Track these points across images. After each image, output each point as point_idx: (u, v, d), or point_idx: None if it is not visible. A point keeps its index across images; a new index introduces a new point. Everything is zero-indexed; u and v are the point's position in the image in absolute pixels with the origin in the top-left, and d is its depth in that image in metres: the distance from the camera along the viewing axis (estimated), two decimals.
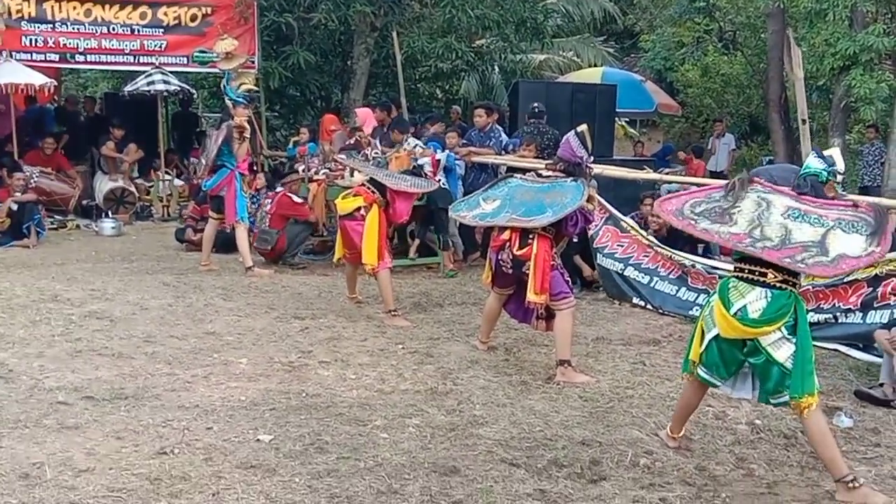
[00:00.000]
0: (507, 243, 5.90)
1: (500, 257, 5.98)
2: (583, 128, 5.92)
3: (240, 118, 8.91)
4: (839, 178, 4.45)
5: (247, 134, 9.03)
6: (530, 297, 5.78)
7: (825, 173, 4.31)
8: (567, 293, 5.89)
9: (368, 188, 7.31)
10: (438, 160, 9.65)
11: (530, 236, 5.79)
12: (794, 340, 4.10)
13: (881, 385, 5.59)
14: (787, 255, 3.99)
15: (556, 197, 5.80)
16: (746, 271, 4.19)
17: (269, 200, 10.10)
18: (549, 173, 6.05)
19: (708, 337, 4.31)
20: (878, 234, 4.00)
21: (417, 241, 9.87)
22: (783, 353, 4.10)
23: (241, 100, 9.08)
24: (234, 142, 8.90)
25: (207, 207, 10.44)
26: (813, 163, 4.37)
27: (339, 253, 7.61)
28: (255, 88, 12.87)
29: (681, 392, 4.83)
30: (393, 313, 7.18)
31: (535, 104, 10.58)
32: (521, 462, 4.33)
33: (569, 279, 6.03)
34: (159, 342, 6.29)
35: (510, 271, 5.95)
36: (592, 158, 6.06)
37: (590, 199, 5.88)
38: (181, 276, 8.84)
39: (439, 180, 9.34)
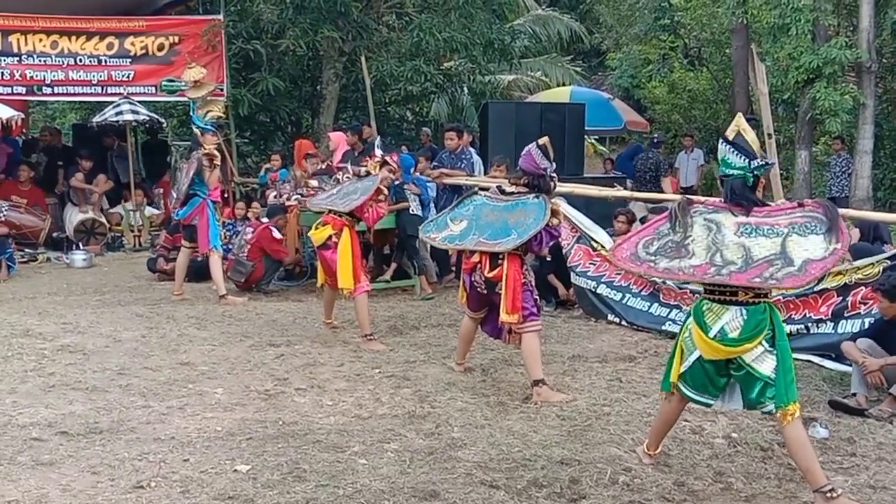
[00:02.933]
0: (478, 265, 5.90)
1: (472, 279, 5.99)
2: (544, 140, 5.89)
3: (209, 146, 8.88)
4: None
5: (217, 161, 9.00)
6: (503, 317, 5.78)
7: (751, 176, 4.24)
8: (535, 316, 5.86)
9: (334, 214, 7.31)
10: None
11: (500, 258, 5.78)
12: (775, 353, 4.12)
13: (854, 394, 5.64)
14: (755, 274, 3.97)
15: (519, 217, 5.79)
16: (717, 292, 4.18)
17: (251, 230, 10.01)
18: (513, 189, 6.02)
19: (691, 359, 4.31)
20: (834, 229, 4.00)
21: (394, 265, 9.86)
22: (767, 366, 4.12)
23: (209, 127, 9.04)
24: (204, 171, 8.88)
25: (180, 237, 10.39)
26: (732, 159, 4.25)
27: (320, 279, 7.61)
28: (222, 115, 12.85)
29: (657, 409, 4.84)
30: (369, 337, 7.17)
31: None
32: (501, 483, 4.32)
33: (537, 298, 6.00)
34: (133, 374, 6.23)
35: (484, 292, 5.95)
36: (555, 167, 5.99)
37: (555, 214, 5.84)
38: (154, 306, 8.78)
39: (408, 207, 9.39)
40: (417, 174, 10.11)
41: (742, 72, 17.52)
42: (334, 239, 7.19)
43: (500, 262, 5.77)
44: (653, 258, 4.25)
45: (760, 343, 4.09)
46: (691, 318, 4.28)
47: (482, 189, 6.44)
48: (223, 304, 8.87)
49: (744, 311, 4.11)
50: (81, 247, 12.51)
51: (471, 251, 5.96)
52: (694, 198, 4.49)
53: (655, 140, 14.28)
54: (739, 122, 4.34)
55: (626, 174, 15.61)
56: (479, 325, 6.30)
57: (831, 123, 14.60)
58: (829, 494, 4.06)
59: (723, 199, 4.32)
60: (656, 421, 4.70)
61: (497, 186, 6.23)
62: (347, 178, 8.67)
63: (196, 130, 9.02)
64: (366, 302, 7.24)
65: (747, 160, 4.23)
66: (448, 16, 15.01)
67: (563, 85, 21.88)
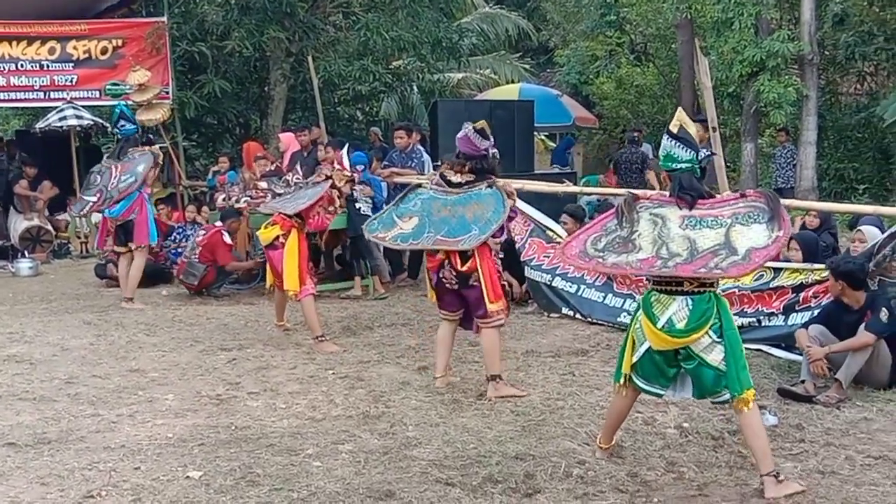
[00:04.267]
0: (446, 261, 5.73)
1: (441, 275, 5.80)
2: (481, 123, 5.78)
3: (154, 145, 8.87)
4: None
5: (160, 160, 9.04)
6: (489, 307, 5.66)
7: (698, 168, 4.33)
8: (505, 309, 5.84)
9: (284, 216, 7.24)
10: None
11: (470, 250, 5.65)
12: (723, 342, 4.18)
13: (802, 382, 5.73)
14: (701, 265, 4.05)
15: (476, 210, 5.67)
16: (664, 283, 4.24)
17: (204, 232, 9.89)
18: (458, 178, 5.82)
19: (641, 350, 4.35)
20: (777, 217, 4.10)
21: (358, 278, 9.74)
22: (715, 356, 4.17)
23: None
24: (151, 169, 8.93)
25: None
26: (679, 153, 4.32)
27: (269, 281, 7.55)
28: (154, 118, 12.75)
29: (610, 402, 4.87)
30: (320, 339, 7.12)
31: None
32: (456, 481, 4.32)
33: (508, 292, 5.98)
34: (82, 383, 6.13)
35: (455, 287, 5.77)
36: (494, 143, 5.84)
37: (509, 195, 5.75)
38: (102, 313, 8.64)
39: (359, 208, 9.34)
40: (370, 174, 10.07)
41: (687, 66, 17.74)
42: (281, 239, 7.13)
43: (470, 254, 5.65)
44: (601, 254, 4.31)
45: (707, 333, 4.15)
46: (640, 310, 4.34)
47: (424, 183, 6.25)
48: (127, 307, 8.80)
49: (689, 301, 4.17)
50: (27, 255, 12.29)
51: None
52: (639, 192, 4.54)
53: (634, 137, 14.39)
54: (681, 116, 4.42)
55: (562, 167, 15.76)
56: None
57: (775, 115, 14.84)
58: (779, 478, 4.16)
59: (670, 193, 4.37)
60: (608, 414, 4.73)
61: (440, 176, 5.99)
62: (297, 179, 8.61)
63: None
64: (312, 304, 7.18)
65: (693, 152, 4.32)
66: (395, 15, 15.00)
67: (512, 82, 22.00)
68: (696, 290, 4.17)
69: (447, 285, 5.80)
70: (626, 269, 4.30)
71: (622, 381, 4.50)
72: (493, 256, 5.83)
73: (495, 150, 5.88)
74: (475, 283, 5.68)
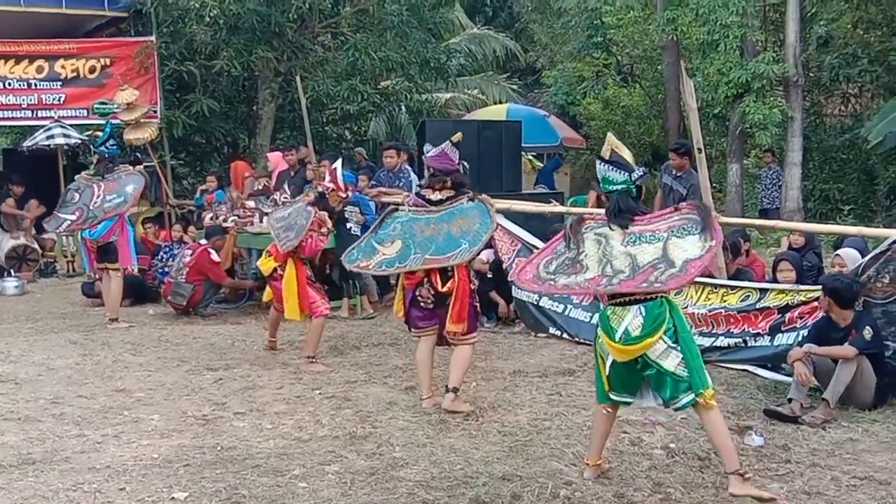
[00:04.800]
0: (426, 279, 5.73)
1: (417, 293, 5.80)
2: (458, 136, 5.84)
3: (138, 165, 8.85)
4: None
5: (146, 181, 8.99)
6: (449, 327, 5.70)
7: (633, 187, 4.51)
8: (474, 329, 5.87)
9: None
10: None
11: (450, 270, 5.67)
12: (678, 347, 4.28)
13: (790, 401, 5.74)
14: (642, 280, 4.22)
15: (463, 225, 5.66)
16: (618, 296, 4.38)
17: (190, 252, 9.85)
18: (439, 196, 5.83)
19: (608, 363, 4.47)
20: (708, 227, 4.31)
21: (346, 298, 9.71)
22: (671, 361, 4.28)
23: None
24: (138, 190, 8.91)
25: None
26: (613, 175, 4.51)
27: (266, 297, 7.57)
28: (142, 137, 12.75)
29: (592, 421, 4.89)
30: (311, 359, 7.11)
31: None
32: (443, 502, 4.32)
33: (479, 309, 6.00)
34: (67, 403, 6.10)
35: (431, 307, 5.79)
36: (466, 164, 5.97)
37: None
38: (89, 332, 8.61)
39: (350, 228, 9.33)
40: (358, 193, 10.08)
41: (673, 87, 17.85)
42: (280, 271, 7.14)
43: (450, 273, 5.66)
44: (552, 276, 4.48)
45: (661, 338, 4.26)
46: (599, 327, 4.48)
47: (398, 205, 6.19)
48: (113, 327, 8.76)
49: (642, 309, 4.30)
50: (13, 274, 12.22)
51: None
52: (585, 212, 4.68)
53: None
54: (611, 141, 4.64)
55: (549, 187, 15.82)
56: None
57: (761, 136, 14.93)
58: (745, 476, 4.29)
59: (605, 214, 4.55)
60: (594, 432, 4.77)
61: (417, 196, 6.02)
62: (285, 198, 8.62)
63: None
64: (322, 325, 7.21)
65: (627, 174, 4.51)
66: (383, 35, 15.06)
67: (500, 102, 22.08)
68: (647, 297, 4.30)
69: (422, 304, 5.81)
70: (576, 289, 4.51)
71: (606, 400, 4.60)
72: (471, 277, 5.83)
73: (465, 164, 5.93)
74: (449, 303, 5.69)
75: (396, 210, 6.02)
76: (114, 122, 9.37)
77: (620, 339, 4.30)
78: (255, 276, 9.61)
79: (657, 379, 4.35)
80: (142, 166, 9.32)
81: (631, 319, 4.30)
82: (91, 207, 8.75)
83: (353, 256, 5.94)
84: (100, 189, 8.83)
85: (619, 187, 4.51)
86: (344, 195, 7.77)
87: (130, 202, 8.76)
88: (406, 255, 5.73)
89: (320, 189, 7.65)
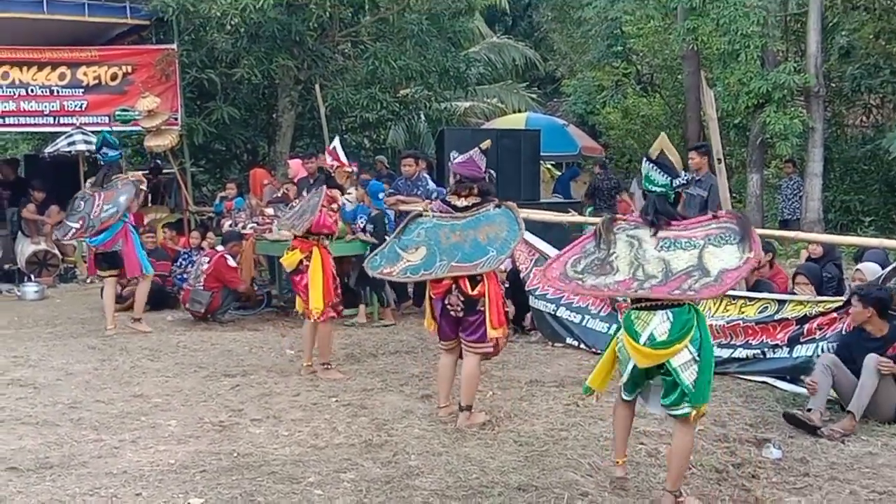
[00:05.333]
0: (454, 286, 5.62)
1: (447, 301, 5.68)
2: (486, 143, 5.80)
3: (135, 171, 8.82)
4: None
5: (144, 186, 8.94)
6: (491, 333, 5.60)
7: (672, 193, 4.43)
8: (502, 337, 5.77)
9: (301, 238, 7.13)
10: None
11: (479, 275, 5.58)
12: (699, 361, 4.23)
13: (809, 411, 5.69)
14: (674, 286, 4.14)
15: (490, 231, 5.57)
16: (643, 300, 4.31)
17: (207, 259, 9.87)
18: (465, 202, 5.75)
19: (629, 369, 4.42)
20: (747, 238, 4.20)
21: (363, 306, 9.69)
22: (689, 375, 4.23)
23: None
24: (136, 197, 8.87)
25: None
26: (656, 176, 4.44)
27: (299, 307, 7.39)
28: (162, 144, 12.83)
29: (612, 422, 4.83)
30: (327, 366, 7.11)
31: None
32: None
33: (509, 319, 6.03)
34: (85, 408, 6.13)
35: (461, 314, 5.67)
36: (493, 172, 5.87)
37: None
38: (107, 338, 8.65)
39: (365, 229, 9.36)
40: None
41: (694, 97, 17.79)
42: (305, 262, 7.04)
43: (480, 278, 5.58)
44: (580, 276, 4.39)
45: (688, 346, 4.21)
46: (622, 330, 4.41)
47: (424, 210, 6.08)
48: (135, 327, 8.84)
49: (670, 314, 4.22)
50: (33, 279, 12.32)
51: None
52: (617, 216, 4.63)
53: (604, 162, 14.50)
54: (663, 142, 4.55)
55: (565, 197, 15.80)
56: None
57: (781, 147, 14.88)
58: (680, 499, 4.32)
59: (640, 214, 4.48)
60: (616, 428, 4.73)
61: (442, 202, 5.93)
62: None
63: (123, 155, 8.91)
64: (331, 330, 7.17)
65: (669, 178, 4.43)
66: (403, 44, 15.10)
67: (519, 111, 22.11)
68: (675, 303, 4.24)
69: (452, 312, 5.70)
70: (604, 290, 4.40)
71: (590, 392, 4.78)
72: (500, 284, 5.81)
73: (492, 172, 5.88)
74: (481, 309, 5.61)
75: (420, 216, 5.91)
76: (107, 129, 9.32)
77: (645, 343, 4.23)
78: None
79: (670, 384, 4.29)
80: (140, 174, 9.17)
81: (658, 324, 4.22)
82: (91, 217, 8.82)
83: (377, 262, 5.85)
84: (99, 199, 8.87)
85: (658, 189, 4.42)
86: (350, 169, 7.62)
87: (121, 212, 8.71)
88: (432, 262, 5.63)
89: (326, 170, 7.56)
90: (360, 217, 9.71)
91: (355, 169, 7.83)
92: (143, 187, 8.87)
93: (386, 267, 5.78)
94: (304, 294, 7.11)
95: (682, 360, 4.22)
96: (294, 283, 7.34)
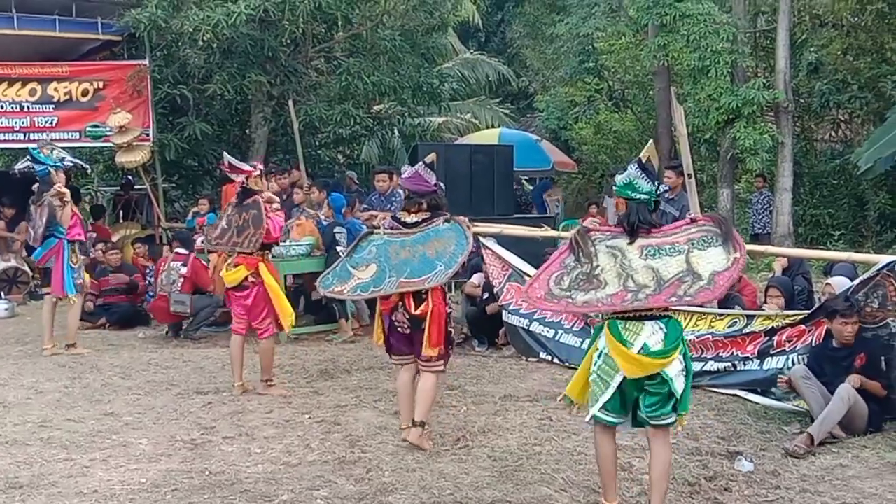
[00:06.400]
0: (400, 303, 5.57)
1: (393, 318, 5.65)
2: (431, 157, 5.73)
3: (59, 184, 8.58)
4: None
5: (67, 198, 8.61)
6: (426, 351, 5.51)
7: (653, 201, 4.37)
8: (444, 356, 5.66)
9: (245, 254, 6.92)
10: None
11: (424, 293, 5.49)
12: (686, 371, 4.25)
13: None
14: (670, 294, 4.11)
15: (438, 246, 5.50)
16: (630, 311, 4.23)
17: (182, 263, 9.77)
18: (414, 218, 5.68)
19: (613, 385, 4.27)
20: (730, 238, 4.20)
21: (343, 321, 9.64)
22: (679, 384, 4.22)
23: (59, 164, 8.78)
24: (56, 210, 8.54)
25: (106, 280, 10.23)
26: (641, 183, 4.34)
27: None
28: (134, 160, 12.74)
29: (588, 447, 4.75)
30: (269, 383, 7.02)
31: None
32: None
33: (453, 339, 5.81)
34: (55, 426, 6.07)
35: (408, 331, 5.62)
36: (443, 185, 5.75)
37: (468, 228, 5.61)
38: (77, 356, 8.56)
39: (339, 251, 9.30)
40: (351, 217, 10.11)
41: (665, 113, 17.92)
42: (251, 279, 6.90)
43: (424, 297, 5.49)
44: (568, 293, 4.27)
45: (679, 357, 4.21)
46: (605, 341, 4.27)
47: (373, 227, 6.04)
48: (71, 353, 8.62)
49: (661, 325, 4.20)
50: (3, 296, 12.18)
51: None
52: (588, 225, 4.52)
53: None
54: (650, 149, 4.53)
55: (539, 210, 15.87)
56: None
57: (752, 162, 15.02)
58: None
59: (619, 223, 4.38)
60: (602, 466, 4.49)
61: (392, 219, 5.86)
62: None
63: (50, 169, 8.65)
64: (273, 345, 7.09)
65: (653, 186, 4.36)
66: (377, 60, 15.11)
67: (493, 127, 22.21)
68: (663, 313, 4.23)
69: (399, 329, 5.63)
70: (599, 306, 4.24)
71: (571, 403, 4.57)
72: (446, 300, 5.66)
73: (441, 185, 5.77)
74: (425, 328, 5.50)
75: (372, 233, 5.86)
76: (34, 146, 9.13)
77: (640, 351, 4.16)
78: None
79: (664, 396, 4.23)
80: (58, 187, 8.56)
81: (649, 334, 4.16)
82: (33, 230, 8.76)
83: (329, 282, 5.77)
84: (36, 214, 8.73)
85: (642, 196, 4.32)
86: (258, 173, 7.45)
87: (42, 225, 8.56)
88: (381, 279, 5.56)
89: (239, 182, 7.26)
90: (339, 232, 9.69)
91: (261, 166, 7.68)
92: (59, 201, 8.50)
93: (337, 286, 5.70)
94: (243, 311, 6.99)
95: (676, 370, 4.20)
96: (231, 299, 7.16)
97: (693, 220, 4.38)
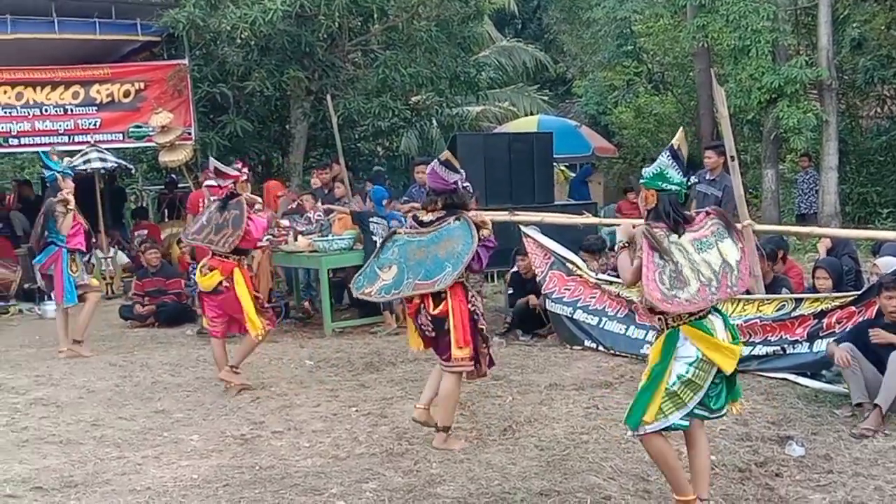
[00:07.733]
0: (421, 305, 5.45)
1: (419, 321, 5.52)
2: (445, 155, 5.60)
3: (65, 190, 8.61)
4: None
5: (70, 206, 8.61)
6: (455, 353, 5.36)
7: (684, 192, 4.28)
8: (475, 357, 5.50)
9: (220, 257, 6.97)
10: None
11: (443, 293, 5.38)
12: None
13: (859, 405, 5.65)
14: (726, 285, 4.13)
15: (447, 246, 5.40)
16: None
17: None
18: (430, 217, 5.56)
19: (705, 388, 4.08)
20: (733, 230, 4.29)
21: (387, 313, 9.65)
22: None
23: (68, 171, 8.86)
24: (58, 217, 8.56)
25: (150, 281, 10.35)
26: (673, 174, 4.20)
27: (206, 324, 7.42)
28: (177, 159, 12.85)
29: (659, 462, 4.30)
30: (234, 370, 7.02)
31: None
32: None
33: (486, 336, 5.61)
34: (107, 425, 6.18)
35: (433, 334, 5.48)
36: (465, 175, 5.58)
37: (483, 225, 5.42)
38: (127, 354, 8.71)
39: (376, 242, 9.33)
40: (391, 210, 10.12)
41: (706, 94, 17.74)
42: (225, 284, 6.90)
43: (443, 297, 5.37)
44: (674, 293, 4.05)
45: None
46: (694, 348, 4.08)
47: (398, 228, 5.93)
48: (73, 349, 8.69)
49: (718, 314, 4.22)
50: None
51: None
52: (651, 224, 4.23)
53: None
54: (680, 138, 4.36)
55: (579, 199, 15.73)
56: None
57: (796, 141, 14.81)
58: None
59: (658, 217, 4.20)
60: (668, 464, 4.21)
61: (412, 218, 5.80)
62: (318, 216, 8.58)
63: (57, 175, 8.72)
64: (254, 343, 7.05)
65: (684, 177, 4.28)
66: (413, 51, 15.10)
67: (531, 114, 22.08)
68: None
69: (426, 332, 5.53)
70: (697, 302, 4.06)
71: (640, 429, 4.12)
72: (469, 297, 5.47)
73: (467, 184, 5.62)
74: (448, 328, 5.38)
75: (395, 233, 5.79)
76: (44, 151, 9.12)
77: (733, 340, 4.16)
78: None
79: (730, 385, 4.20)
80: (64, 193, 8.69)
81: (720, 326, 4.14)
82: (33, 234, 8.87)
83: (360, 283, 5.69)
84: (41, 219, 8.79)
85: (674, 188, 4.19)
86: (245, 177, 7.40)
87: (38, 232, 8.68)
88: (400, 281, 5.48)
89: (225, 187, 7.17)
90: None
91: (247, 170, 7.64)
92: (62, 207, 8.56)
93: (367, 287, 5.65)
94: (216, 315, 7.04)
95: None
96: (205, 304, 7.17)
97: (707, 213, 4.33)
